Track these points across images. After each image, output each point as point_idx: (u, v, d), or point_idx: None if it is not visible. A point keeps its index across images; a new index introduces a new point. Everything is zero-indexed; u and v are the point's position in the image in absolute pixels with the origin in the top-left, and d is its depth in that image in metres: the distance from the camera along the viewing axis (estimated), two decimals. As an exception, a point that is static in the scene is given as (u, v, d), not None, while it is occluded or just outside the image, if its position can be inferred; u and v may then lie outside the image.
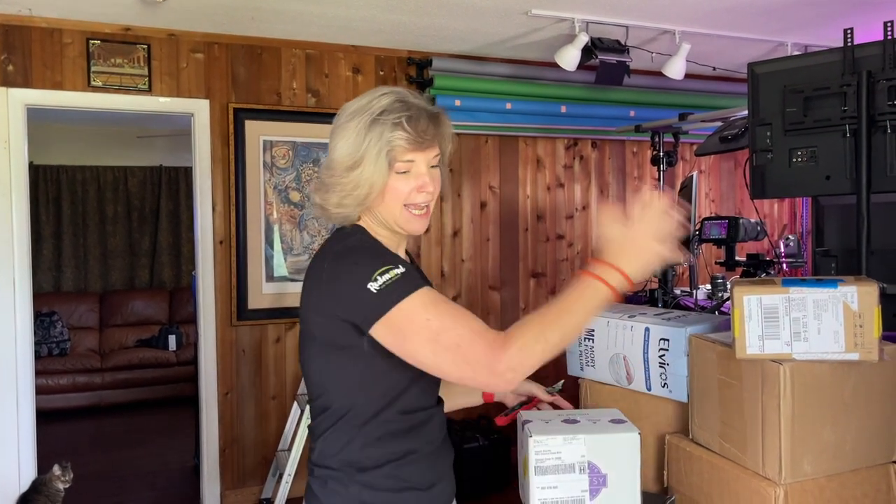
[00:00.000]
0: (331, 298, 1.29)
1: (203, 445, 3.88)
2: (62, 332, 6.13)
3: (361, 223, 1.39)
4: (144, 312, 6.68)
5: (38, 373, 5.79)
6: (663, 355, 1.60)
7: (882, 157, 2.06)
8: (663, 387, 1.61)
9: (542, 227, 4.60)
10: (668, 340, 1.60)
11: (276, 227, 3.96)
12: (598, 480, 1.37)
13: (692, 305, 3.26)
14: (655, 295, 3.36)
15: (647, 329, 1.64)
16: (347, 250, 1.33)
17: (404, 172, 1.32)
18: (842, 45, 2.12)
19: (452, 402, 1.60)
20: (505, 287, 4.51)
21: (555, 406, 1.56)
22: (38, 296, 6.44)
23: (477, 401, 1.64)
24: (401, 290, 1.23)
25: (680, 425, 1.62)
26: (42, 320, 6.08)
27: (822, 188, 2.17)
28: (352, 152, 1.31)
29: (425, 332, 1.22)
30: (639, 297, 3.49)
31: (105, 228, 6.88)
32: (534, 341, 1.18)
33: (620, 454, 1.37)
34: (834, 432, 1.33)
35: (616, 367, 1.70)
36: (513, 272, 4.53)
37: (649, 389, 1.64)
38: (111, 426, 5.65)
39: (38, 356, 5.94)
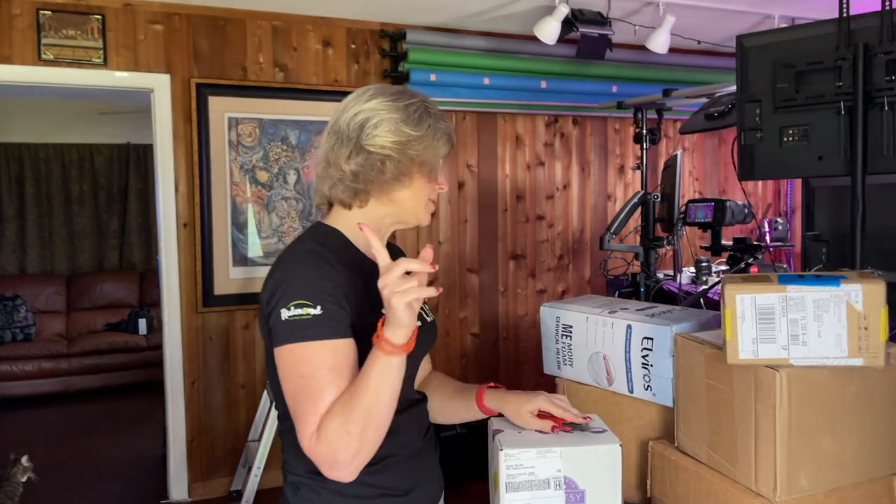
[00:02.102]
0: (265, 301, 1.26)
1: (170, 436, 3.73)
2: (26, 316, 5.93)
3: (339, 223, 1.37)
4: (114, 295, 6.48)
5: (1, 359, 5.63)
6: (647, 356, 1.47)
7: (878, 136, 1.93)
8: (646, 389, 1.48)
9: (521, 207, 4.46)
10: (651, 339, 1.46)
11: (249, 209, 3.78)
12: (575, 497, 1.24)
13: (676, 290, 3.15)
14: (637, 279, 3.24)
15: (629, 326, 1.50)
16: (297, 260, 1.28)
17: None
18: (835, 16, 1.98)
19: (453, 415, 1.54)
20: (483, 270, 4.37)
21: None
22: (2, 279, 6.24)
23: (479, 416, 1.53)
24: (302, 332, 1.20)
25: (665, 430, 1.49)
26: (5, 304, 5.87)
27: (814, 169, 2.04)
28: (405, 131, 1.30)
29: (292, 384, 1.20)
30: (620, 281, 3.37)
31: (71, 208, 6.64)
32: (338, 437, 1.14)
33: (600, 468, 1.24)
34: (833, 443, 1.21)
35: (595, 367, 1.57)
36: (491, 254, 4.39)
37: (631, 392, 1.51)
38: (79, 413, 5.48)
39: (1, 342, 5.75)
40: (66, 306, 6.35)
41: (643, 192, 3.33)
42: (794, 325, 1.15)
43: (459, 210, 4.30)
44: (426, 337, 1.49)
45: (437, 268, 1.19)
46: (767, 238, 3.32)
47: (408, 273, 1.12)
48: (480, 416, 1.53)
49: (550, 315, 1.66)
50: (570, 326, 1.62)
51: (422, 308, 1.51)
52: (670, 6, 3.65)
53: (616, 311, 1.57)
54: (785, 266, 2.76)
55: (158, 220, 3.68)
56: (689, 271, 3.29)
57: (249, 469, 3.46)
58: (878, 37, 1.92)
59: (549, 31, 3.45)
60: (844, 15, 1.98)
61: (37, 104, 6.40)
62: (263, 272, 3.75)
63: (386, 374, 1.15)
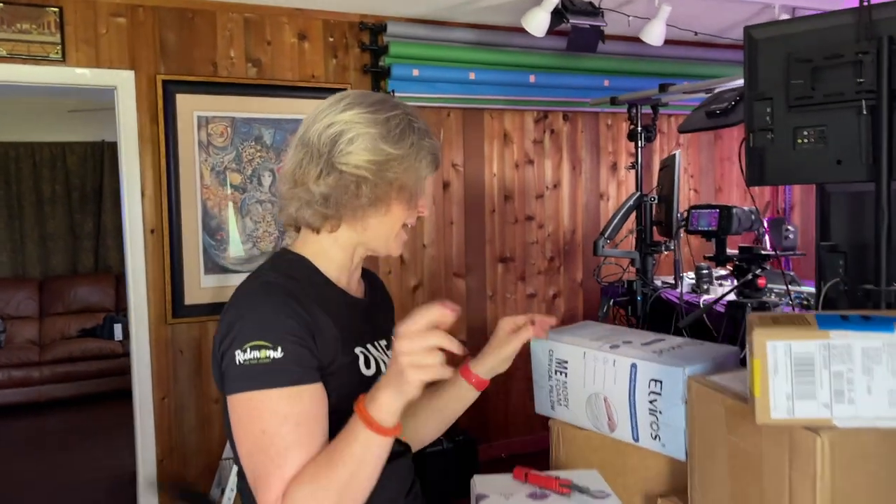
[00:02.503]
0: (217, 343, 1.10)
1: (138, 456, 3.52)
2: (-5, 323, 5.68)
3: (308, 250, 1.21)
4: (88, 299, 6.24)
5: (-32, 368, 5.38)
6: (654, 400, 1.27)
7: (904, 139, 1.73)
8: (654, 439, 1.29)
9: (510, 207, 4.25)
10: (660, 382, 1.26)
11: (230, 212, 3.55)
12: None
13: (675, 299, 2.95)
14: (634, 287, 3.04)
15: (633, 366, 1.30)
16: (254, 294, 1.11)
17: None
18: (848, 5, 1.79)
19: (441, 416, 1.40)
20: (470, 274, 4.17)
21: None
22: (-30, 284, 5.99)
23: (472, 397, 1.39)
24: (257, 380, 1.04)
25: (675, 484, 1.30)
26: (-28, 312, 5.62)
27: (832, 174, 1.85)
28: (384, 149, 1.14)
29: (249, 440, 1.04)
30: (616, 289, 3.17)
31: (43, 209, 6.38)
32: None
33: None
34: (881, 515, 1.01)
35: (595, 410, 1.37)
36: (479, 257, 4.19)
37: (636, 440, 1.32)
38: (50, 425, 5.25)
39: (-32, 350, 5.51)
40: (38, 311, 6.10)
41: (639, 193, 3.14)
42: (839, 379, 0.95)
43: (445, 211, 4.09)
44: None
45: (466, 351, 1.06)
46: (768, 241, 3.13)
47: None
48: (472, 395, 1.38)
49: (542, 348, 1.46)
50: (566, 361, 1.41)
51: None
52: (666, -4, 3.45)
53: (618, 346, 1.36)
54: (792, 274, 2.58)
55: (124, 226, 3.45)
56: (688, 278, 3.10)
57: (223, 490, 3.25)
58: (903, 28, 1.73)
59: (537, 22, 3.24)
60: (865, 3, 1.79)
61: (4, 101, 6.13)
62: (235, 280, 3.53)
63: (370, 448, 0.99)
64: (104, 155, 6.51)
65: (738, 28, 4.10)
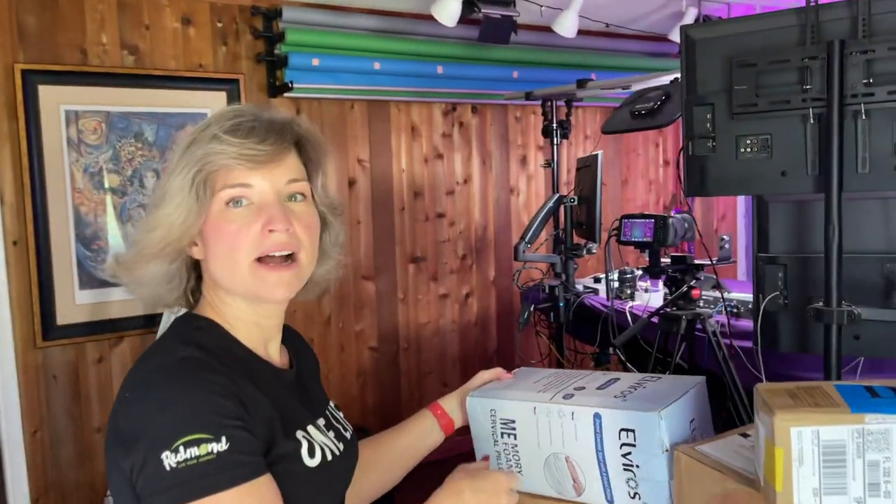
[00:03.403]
0: (120, 443, 0.85)
1: (9, 497, 3.09)
2: None
3: (208, 309, 0.98)
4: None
5: None
6: (628, 453, 1.09)
7: (852, 150, 1.65)
8: (633, 497, 1.11)
9: (420, 204, 4.04)
10: (632, 432, 1.09)
11: (110, 220, 3.15)
12: None
13: (599, 305, 2.84)
14: (556, 292, 2.91)
15: (596, 416, 1.12)
16: (163, 377, 0.87)
17: (238, 204, 0.92)
18: (744, 12, 1.68)
19: (404, 457, 1.27)
20: (381, 276, 3.93)
21: None
22: None
23: (438, 440, 1.28)
24: (205, 483, 0.80)
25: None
26: None
27: (777, 186, 1.75)
28: (160, 186, 0.94)
29: None
30: (536, 295, 3.03)
31: None
32: None
33: None
34: None
35: (556, 473, 1.18)
36: (389, 258, 3.96)
37: (611, 503, 1.14)
38: None
39: None
40: None
41: (559, 195, 3.00)
42: (875, 470, 0.80)
43: (351, 211, 3.82)
44: (348, 461, 1.09)
45: None
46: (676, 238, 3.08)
47: None
48: (439, 437, 1.27)
49: (482, 408, 1.25)
50: (512, 421, 1.22)
51: (337, 418, 1.11)
52: (579, -15, 3.31)
53: (572, 395, 1.18)
54: (713, 277, 2.51)
55: (-20, 238, 2.99)
56: (610, 281, 2.99)
57: (110, 533, 2.90)
58: (852, 31, 1.63)
59: (448, 12, 3.03)
60: (812, 3, 1.69)
61: None
62: (116, 294, 3.15)
63: None
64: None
65: (646, 19, 4.05)
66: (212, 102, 3.33)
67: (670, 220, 2.09)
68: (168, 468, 0.79)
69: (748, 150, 1.77)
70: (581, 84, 2.97)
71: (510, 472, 1.15)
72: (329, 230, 1.04)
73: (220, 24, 3.39)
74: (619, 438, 1.10)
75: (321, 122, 3.69)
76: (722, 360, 2.22)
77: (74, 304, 3.13)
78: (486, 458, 1.23)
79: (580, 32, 3.73)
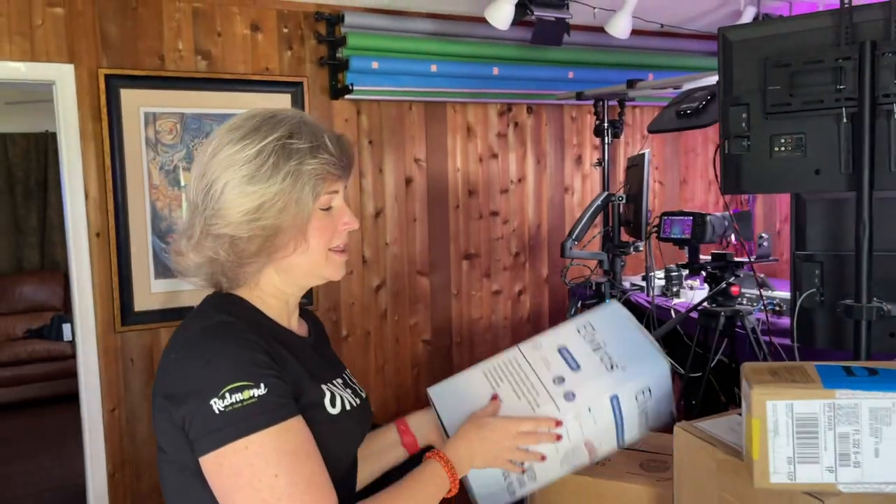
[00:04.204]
0: (171, 399, 0.99)
1: (88, 470, 3.35)
2: (-66, 326, 5.40)
3: (245, 293, 1.11)
4: (35, 298, 5.97)
5: None
6: (645, 402, 1.18)
7: (885, 149, 1.67)
8: (641, 416, 1.19)
9: (474, 202, 4.14)
10: (649, 390, 1.17)
11: (183, 214, 3.38)
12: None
13: (645, 302, 2.89)
14: (602, 289, 2.97)
15: (614, 398, 1.19)
16: (211, 335, 1.01)
17: (328, 208, 1.09)
18: (807, 10, 1.71)
19: (370, 468, 1.29)
20: (435, 271, 4.06)
21: None
22: None
23: (400, 456, 1.32)
24: (250, 422, 0.94)
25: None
26: None
27: (810, 184, 1.78)
28: (257, 190, 1.02)
29: (264, 491, 0.93)
30: (583, 290, 3.10)
31: (-16, 204, 6.09)
32: None
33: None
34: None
35: (573, 459, 1.26)
36: (443, 254, 4.08)
37: (621, 445, 1.21)
38: (-4, 432, 5.03)
39: None
40: (-19, 311, 5.83)
41: (607, 193, 3.06)
42: (845, 442, 0.87)
43: (408, 208, 3.96)
44: (363, 416, 1.21)
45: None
46: (733, 235, 3.08)
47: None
48: (401, 453, 1.31)
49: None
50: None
51: (353, 381, 1.24)
52: (632, -13, 3.35)
53: (568, 388, 1.18)
54: (762, 276, 2.52)
55: (67, 230, 3.25)
56: (657, 279, 3.04)
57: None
58: (885, 33, 1.66)
59: (501, 15, 3.12)
60: (846, 5, 1.72)
61: (-61, 90, 5.80)
62: (190, 283, 3.36)
63: (439, 494, 1.07)
64: (48, 147, 6.21)
65: (703, 18, 4.04)
66: (277, 104, 3.51)
67: (708, 217, 2.13)
68: (217, 412, 0.93)
69: (782, 148, 1.81)
70: (631, 84, 3.02)
71: (517, 419, 1.14)
72: None
73: (285, 30, 3.58)
74: (637, 401, 1.18)
75: (380, 123, 3.84)
76: (762, 358, 2.25)
77: (150, 292, 3.36)
78: (494, 398, 1.20)
79: (637, 32, 3.76)
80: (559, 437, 1.13)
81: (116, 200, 3.26)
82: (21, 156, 6.18)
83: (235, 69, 3.47)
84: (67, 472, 4.14)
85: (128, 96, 3.26)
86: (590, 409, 1.19)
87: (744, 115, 1.86)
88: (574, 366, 1.21)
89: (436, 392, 1.28)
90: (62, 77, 3.16)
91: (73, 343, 5.61)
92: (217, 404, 0.93)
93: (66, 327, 5.70)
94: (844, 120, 1.70)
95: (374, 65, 3.60)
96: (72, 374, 5.42)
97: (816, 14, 1.75)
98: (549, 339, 1.26)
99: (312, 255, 1.08)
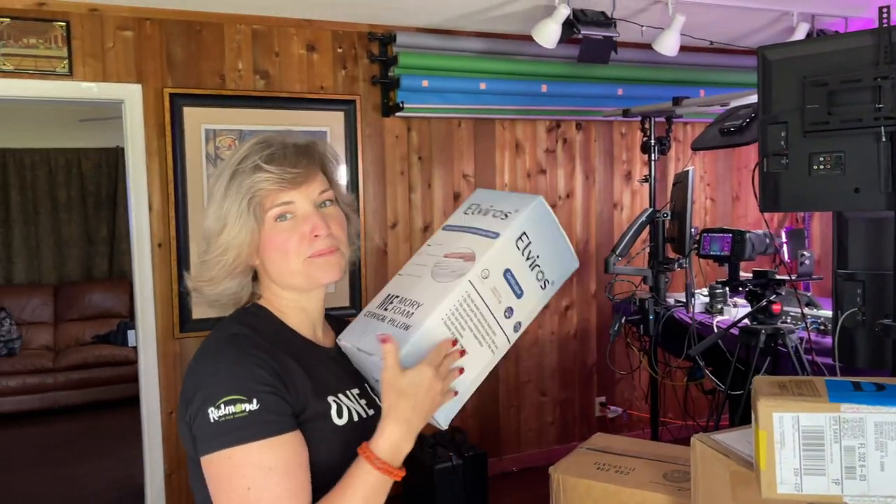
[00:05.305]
0: (183, 401, 1.09)
1: (146, 470, 3.51)
2: (10, 330, 5.71)
3: (263, 300, 1.20)
4: (103, 305, 6.26)
5: (-16, 375, 5.42)
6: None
7: (925, 168, 1.66)
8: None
9: (521, 218, 4.18)
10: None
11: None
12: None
13: (688, 319, 2.89)
14: (646, 305, 2.98)
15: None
16: (220, 349, 1.10)
17: (284, 218, 1.13)
18: (866, 17, 1.71)
19: None
20: (481, 285, 4.10)
21: None
22: (-13, 289, 6.03)
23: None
24: (236, 434, 1.01)
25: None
26: (-12, 318, 5.66)
27: (849, 202, 1.78)
28: (217, 216, 1.13)
29: (237, 497, 1.01)
30: (627, 306, 3.11)
31: (58, 215, 6.42)
32: None
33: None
34: None
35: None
36: (490, 269, 4.13)
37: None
38: (62, 432, 5.27)
39: (-17, 357, 5.55)
40: (53, 317, 6.14)
41: (651, 209, 3.07)
42: (850, 455, 0.89)
43: (456, 223, 4.03)
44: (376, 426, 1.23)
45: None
46: (786, 251, 3.05)
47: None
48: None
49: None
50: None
51: (378, 393, 1.27)
52: (680, 4, 3.36)
53: (513, 313, 1.12)
54: (809, 295, 2.50)
55: (131, 241, 3.44)
56: (702, 296, 3.03)
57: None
58: (925, 52, 1.65)
59: (548, 34, 3.18)
60: (885, 25, 1.72)
61: (20, 108, 6.16)
62: (245, 294, 3.51)
63: (379, 492, 1.02)
64: (118, 161, 6.52)
65: (755, 35, 4.01)
66: (331, 121, 3.65)
67: (748, 235, 2.13)
68: (212, 420, 1.01)
69: (821, 167, 1.81)
70: (677, 102, 3.04)
71: (424, 363, 1.01)
72: (350, 223, 1.23)
73: (340, 50, 3.72)
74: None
75: (430, 140, 3.93)
76: (805, 376, 2.23)
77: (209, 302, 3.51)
78: (384, 340, 1.03)
79: (686, 49, 3.77)
80: (463, 353, 1.05)
81: (178, 212, 3.43)
82: (93, 170, 6.51)
83: (292, 88, 3.62)
84: (127, 473, 4.33)
85: (190, 114, 3.44)
86: (494, 290, 1.11)
87: (782, 134, 1.87)
88: (518, 292, 1.12)
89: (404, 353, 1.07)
90: (131, 96, 3.35)
91: (136, 349, 5.86)
92: (213, 413, 1.01)
93: (131, 333, 5.95)
94: (883, 138, 1.70)
95: (425, 83, 3.69)
96: (134, 379, 5.65)
97: (855, 34, 1.76)
98: (494, 262, 1.10)
99: (281, 266, 1.13)
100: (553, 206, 4.21)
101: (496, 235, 1.10)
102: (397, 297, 1.13)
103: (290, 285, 1.17)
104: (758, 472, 0.93)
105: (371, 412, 1.18)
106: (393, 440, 1.02)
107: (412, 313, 1.07)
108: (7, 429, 5.30)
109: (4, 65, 3.14)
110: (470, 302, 1.07)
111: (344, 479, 1.03)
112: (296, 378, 1.09)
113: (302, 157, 1.13)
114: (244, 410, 1.01)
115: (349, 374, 1.22)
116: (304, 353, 1.16)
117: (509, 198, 1.18)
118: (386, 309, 1.13)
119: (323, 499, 1.03)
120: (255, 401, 1.02)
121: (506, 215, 1.13)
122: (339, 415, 1.13)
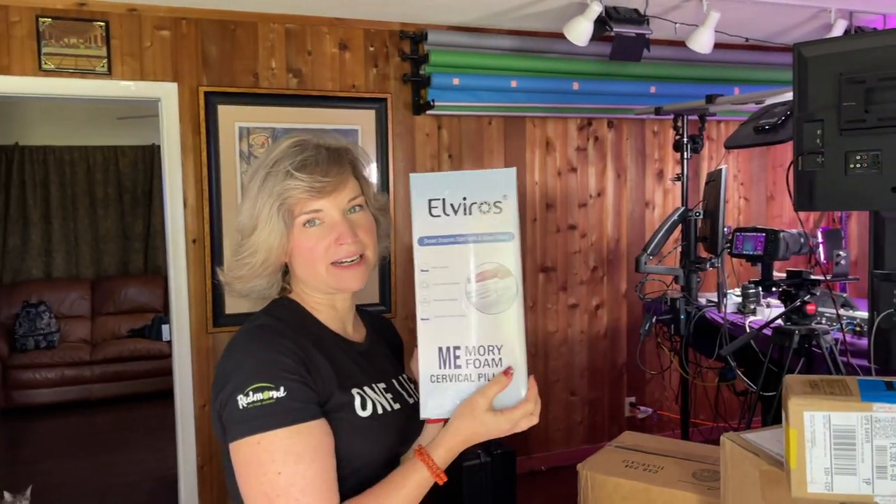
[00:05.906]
0: (214, 389, 1.12)
1: (180, 462, 3.57)
2: (49, 323, 5.85)
3: (294, 294, 1.23)
4: (138, 300, 6.39)
5: (24, 367, 5.56)
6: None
7: (966, 167, 1.63)
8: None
9: (551, 216, 4.18)
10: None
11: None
12: None
13: (720, 319, 2.86)
14: (678, 304, 2.95)
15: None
16: (249, 338, 1.14)
17: (312, 224, 1.16)
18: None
19: None
20: (511, 283, 4.10)
21: None
22: (27, 283, 6.19)
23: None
24: (265, 421, 1.04)
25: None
26: (28, 311, 5.80)
27: (887, 201, 1.75)
28: (250, 214, 1.17)
29: (266, 485, 1.03)
30: (659, 306, 3.09)
31: (96, 212, 6.56)
32: None
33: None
34: None
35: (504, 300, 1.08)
36: (519, 267, 4.12)
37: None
38: (98, 423, 5.40)
39: (24, 349, 5.69)
40: (90, 311, 6.28)
41: (683, 208, 3.04)
42: (882, 454, 0.88)
43: (485, 221, 4.03)
44: (401, 420, 1.24)
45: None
46: (822, 252, 3.00)
47: None
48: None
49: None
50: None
51: (404, 387, 1.29)
52: (715, 1, 3.32)
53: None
54: (845, 296, 2.46)
55: (167, 236, 3.51)
56: (734, 295, 2.99)
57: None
58: (966, 48, 1.62)
59: (580, 31, 3.17)
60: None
61: (61, 107, 6.30)
62: (276, 290, 3.55)
63: (422, 491, 1.08)
64: (154, 158, 6.64)
65: (791, 32, 3.95)
66: (362, 119, 3.68)
67: (781, 234, 2.10)
68: (241, 407, 1.04)
69: (857, 165, 1.78)
70: (710, 99, 3.00)
71: (508, 421, 1.04)
72: (380, 226, 1.25)
73: (371, 49, 3.74)
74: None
75: (460, 137, 3.94)
76: (839, 378, 2.20)
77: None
78: (507, 373, 1.05)
79: (720, 46, 3.72)
80: (509, 372, 1.05)
81: (212, 209, 3.48)
82: (129, 167, 6.64)
83: (324, 86, 3.65)
84: (161, 465, 4.41)
85: (224, 112, 3.49)
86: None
87: (818, 132, 1.85)
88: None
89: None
90: (167, 94, 3.41)
91: (170, 343, 5.97)
92: (241, 400, 1.04)
93: (165, 328, 6.06)
94: (922, 136, 1.66)
95: (455, 81, 3.70)
96: (168, 372, 5.77)
97: (892, 31, 1.73)
98: (519, 262, 1.08)
99: (307, 269, 1.16)
100: (584, 205, 4.22)
101: (510, 237, 1.04)
102: (458, 347, 1.07)
103: (316, 288, 1.20)
104: (788, 472, 0.93)
105: (396, 406, 1.20)
106: (451, 454, 1.07)
107: (499, 360, 1.05)
108: (46, 419, 5.43)
109: (46, 64, 3.23)
110: (459, 317, 1.08)
111: (395, 474, 1.08)
112: (321, 368, 1.12)
113: (333, 165, 1.15)
114: (272, 398, 1.04)
115: (377, 370, 1.24)
116: (332, 345, 1.18)
117: (476, 181, 1.07)
118: (458, 367, 1.07)
119: (374, 488, 1.07)
120: (282, 388, 1.05)
121: (499, 207, 1.06)
122: (364, 407, 1.15)
